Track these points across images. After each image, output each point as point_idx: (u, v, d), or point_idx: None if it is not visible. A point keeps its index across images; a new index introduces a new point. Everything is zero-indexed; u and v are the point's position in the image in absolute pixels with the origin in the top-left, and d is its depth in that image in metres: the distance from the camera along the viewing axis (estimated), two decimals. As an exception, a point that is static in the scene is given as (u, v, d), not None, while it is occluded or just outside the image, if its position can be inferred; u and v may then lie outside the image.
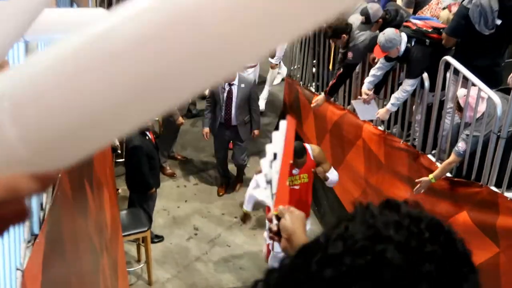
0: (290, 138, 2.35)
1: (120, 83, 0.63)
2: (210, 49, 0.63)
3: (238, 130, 8.26)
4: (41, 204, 3.38)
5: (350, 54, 6.95)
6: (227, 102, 8.07)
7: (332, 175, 6.61)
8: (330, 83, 7.27)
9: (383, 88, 6.74)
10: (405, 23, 6.27)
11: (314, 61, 8.19)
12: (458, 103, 5.62)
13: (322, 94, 7.40)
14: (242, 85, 8.01)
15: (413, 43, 6.12)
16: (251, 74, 9.01)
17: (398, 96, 6.31)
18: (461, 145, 5.56)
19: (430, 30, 6.11)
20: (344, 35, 6.91)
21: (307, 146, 6.57)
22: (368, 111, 6.77)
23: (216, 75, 0.67)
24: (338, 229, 0.80)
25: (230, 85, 7.98)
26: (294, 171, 6.46)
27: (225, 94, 8.02)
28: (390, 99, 6.47)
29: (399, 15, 6.63)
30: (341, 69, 7.09)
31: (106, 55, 0.63)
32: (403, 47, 6.12)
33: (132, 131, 0.68)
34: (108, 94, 0.64)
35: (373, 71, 6.57)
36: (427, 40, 6.10)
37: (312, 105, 7.44)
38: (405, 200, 0.81)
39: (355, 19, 6.95)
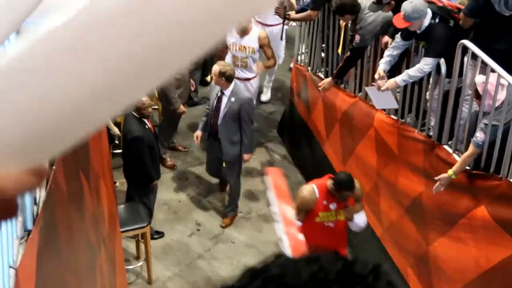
0: (280, 190, 2.39)
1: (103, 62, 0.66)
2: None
3: (223, 146, 7.80)
4: (35, 199, 3.43)
5: (357, 37, 6.97)
6: (215, 111, 7.70)
7: (360, 219, 6.33)
8: (338, 66, 7.31)
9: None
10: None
11: (323, 45, 8.20)
12: (476, 90, 5.62)
13: (329, 77, 7.43)
14: (233, 99, 7.54)
15: (437, 20, 6.10)
16: (254, 84, 8.97)
17: (412, 74, 6.25)
18: (479, 136, 5.57)
19: (455, 10, 6.11)
20: (348, 15, 6.93)
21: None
22: (384, 99, 6.72)
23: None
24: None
25: (222, 92, 7.60)
26: (332, 206, 6.20)
27: (215, 101, 7.68)
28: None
29: None
30: (349, 52, 7.12)
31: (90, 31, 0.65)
32: (426, 22, 6.10)
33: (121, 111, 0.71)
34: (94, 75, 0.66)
35: (388, 51, 6.54)
36: (451, 20, 6.09)
37: (320, 88, 7.47)
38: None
39: (366, 0, 6.97)
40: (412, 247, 6.62)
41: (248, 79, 8.81)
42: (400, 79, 6.34)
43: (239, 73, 8.54)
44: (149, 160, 7.30)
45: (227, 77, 7.45)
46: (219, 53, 8.72)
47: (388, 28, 6.77)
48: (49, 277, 3.36)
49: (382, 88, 6.44)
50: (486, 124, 5.54)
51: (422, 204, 6.36)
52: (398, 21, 6.15)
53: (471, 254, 5.85)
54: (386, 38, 6.76)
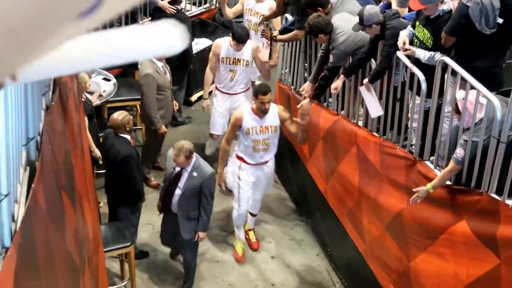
0: None
1: None
2: None
3: (178, 223, 7.20)
4: (13, 216, 3.42)
5: (331, 57, 7.04)
6: (170, 185, 7.15)
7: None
8: (314, 87, 7.36)
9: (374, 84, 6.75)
10: None
11: (306, 64, 8.25)
12: (456, 105, 5.67)
13: (307, 99, 7.47)
14: (194, 174, 6.99)
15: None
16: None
17: (422, 55, 6.21)
18: (459, 152, 5.61)
19: None
20: (322, 35, 6.99)
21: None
22: (377, 104, 6.74)
23: None
24: None
25: (182, 168, 7.02)
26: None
27: (172, 176, 7.12)
28: (386, 99, 6.60)
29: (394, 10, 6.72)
30: (325, 72, 7.18)
31: None
32: (445, 7, 6.11)
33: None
34: None
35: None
36: None
37: (299, 112, 7.50)
38: None
39: (336, 19, 7.04)
40: (394, 263, 6.64)
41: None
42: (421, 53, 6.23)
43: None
44: (139, 177, 7.35)
45: (187, 156, 6.89)
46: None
47: (360, 49, 6.87)
48: (27, 295, 3.34)
49: (406, 52, 6.30)
50: (466, 141, 5.58)
51: (404, 220, 6.39)
52: (414, 3, 6.18)
53: (452, 269, 5.87)
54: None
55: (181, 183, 7.04)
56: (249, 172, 7.67)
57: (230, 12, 9.69)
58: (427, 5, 6.11)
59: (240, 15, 9.85)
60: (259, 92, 7.27)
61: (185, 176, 7.02)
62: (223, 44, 8.53)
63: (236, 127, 7.44)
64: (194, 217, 7.14)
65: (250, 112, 7.40)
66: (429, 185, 5.83)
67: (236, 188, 7.75)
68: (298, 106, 7.52)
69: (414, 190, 5.93)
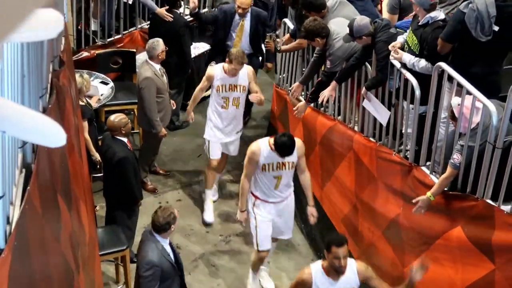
0: None
1: None
2: None
3: None
4: (8, 218, 3.42)
5: (328, 63, 7.08)
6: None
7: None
8: (311, 90, 7.39)
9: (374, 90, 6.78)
10: None
11: (304, 69, 8.27)
12: (452, 111, 5.69)
13: (303, 101, 7.50)
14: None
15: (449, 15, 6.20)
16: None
17: (408, 60, 6.25)
18: (456, 157, 5.63)
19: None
20: (318, 39, 7.02)
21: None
22: (381, 110, 6.72)
23: None
24: None
25: None
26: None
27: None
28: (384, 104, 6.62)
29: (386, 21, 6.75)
30: (322, 77, 7.21)
31: None
32: (432, 14, 6.14)
33: None
34: None
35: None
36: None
37: (294, 113, 7.52)
38: None
39: (333, 24, 7.07)
40: (388, 269, 6.64)
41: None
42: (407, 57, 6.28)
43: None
44: (134, 180, 7.34)
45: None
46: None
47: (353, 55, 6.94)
48: (21, 297, 3.35)
49: (396, 56, 6.32)
50: (462, 146, 5.60)
51: (399, 226, 6.40)
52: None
53: (447, 274, 5.88)
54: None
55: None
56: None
57: None
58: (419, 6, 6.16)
59: None
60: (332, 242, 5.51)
61: None
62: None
63: None
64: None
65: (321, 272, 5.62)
66: (428, 193, 5.84)
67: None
68: (294, 108, 7.54)
69: (414, 201, 5.92)
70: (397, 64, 6.35)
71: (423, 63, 6.13)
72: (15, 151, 3.76)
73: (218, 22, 9.31)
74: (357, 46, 6.92)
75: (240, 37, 9.16)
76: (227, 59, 8.01)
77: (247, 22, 9.15)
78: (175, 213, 6.02)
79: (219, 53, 9.15)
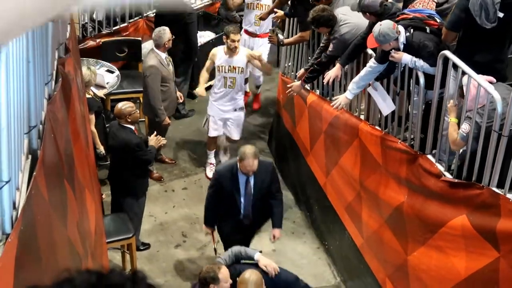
0: None
1: None
2: None
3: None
4: (14, 203, 3.45)
5: (331, 46, 7.11)
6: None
7: None
8: (309, 69, 7.47)
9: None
10: (400, 16, 6.34)
11: (310, 58, 8.27)
12: (461, 88, 5.69)
13: (299, 81, 7.59)
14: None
15: (411, 31, 6.17)
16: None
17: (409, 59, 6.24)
18: (464, 128, 5.61)
19: (427, 17, 6.20)
20: (324, 28, 7.07)
21: None
22: (388, 101, 6.71)
23: None
24: None
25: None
26: None
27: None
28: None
29: (395, 8, 6.72)
30: (322, 59, 7.24)
31: None
32: (402, 39, 6.16)
33: None
34: None
35: (362, 73, 6.61)
36: (426, 27, 6.17)
37: (286, 92, 7.57)
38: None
39: (340, 13, 7.11)
40: (391, 257, 6.65)
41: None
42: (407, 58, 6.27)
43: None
44: (145, 148, 7.46)
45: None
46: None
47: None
48: (28, 281, 3.38)
49: (396, 56, 6.29)
50: (470, 117, 5.57)
51: (403, 214, 6.40)
52: (370, 41, 6.24)
53: (451, 262, 5.88)
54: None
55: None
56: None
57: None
58: (380, 44, 6.17)
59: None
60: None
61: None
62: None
63: None
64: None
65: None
66: (453, 119, 5.79)
67: None
68: (288, 85, 7.65)
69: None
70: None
71: (421, 62, 6.14)
72: (21, 137, 3.78)
73: None
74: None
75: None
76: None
77: None
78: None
79: None
